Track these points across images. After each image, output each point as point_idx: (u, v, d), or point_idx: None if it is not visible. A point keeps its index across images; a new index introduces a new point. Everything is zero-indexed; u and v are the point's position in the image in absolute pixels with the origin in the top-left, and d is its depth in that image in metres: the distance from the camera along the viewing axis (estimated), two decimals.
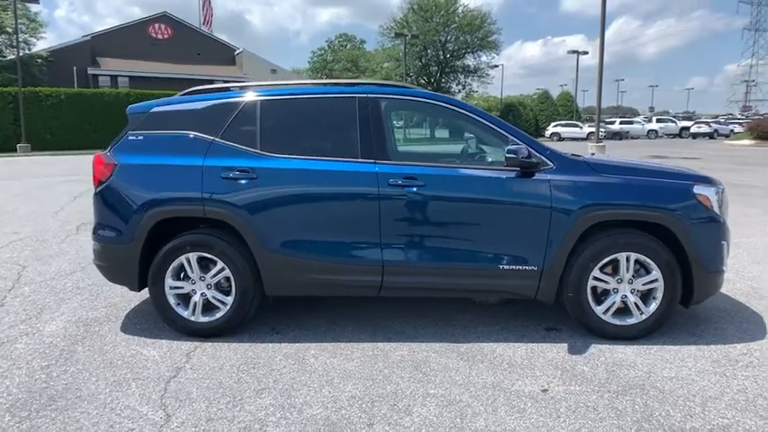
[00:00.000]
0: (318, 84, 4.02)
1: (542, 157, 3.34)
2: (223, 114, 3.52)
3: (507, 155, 3.21)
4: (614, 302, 3.36)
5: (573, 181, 3.31)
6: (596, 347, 3.30)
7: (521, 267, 3.33)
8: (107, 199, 3.52)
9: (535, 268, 3.33)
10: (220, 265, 3.43)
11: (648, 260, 3.29)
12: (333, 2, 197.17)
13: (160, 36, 39.48)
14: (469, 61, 48.76)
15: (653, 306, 3.34)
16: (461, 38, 46.71)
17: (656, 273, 3.30)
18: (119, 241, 3.49)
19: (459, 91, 49.23)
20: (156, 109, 3.60)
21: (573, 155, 3.48)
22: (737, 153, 21.46)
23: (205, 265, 3.47)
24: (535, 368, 3.05)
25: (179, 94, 3.77)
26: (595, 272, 3.33)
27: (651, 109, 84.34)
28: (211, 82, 39.52)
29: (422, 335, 3.52)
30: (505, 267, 3.34)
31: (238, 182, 3.37)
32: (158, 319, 3.77)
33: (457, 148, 4.05)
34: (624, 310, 3.38)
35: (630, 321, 3.36)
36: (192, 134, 3.49)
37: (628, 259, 3.31)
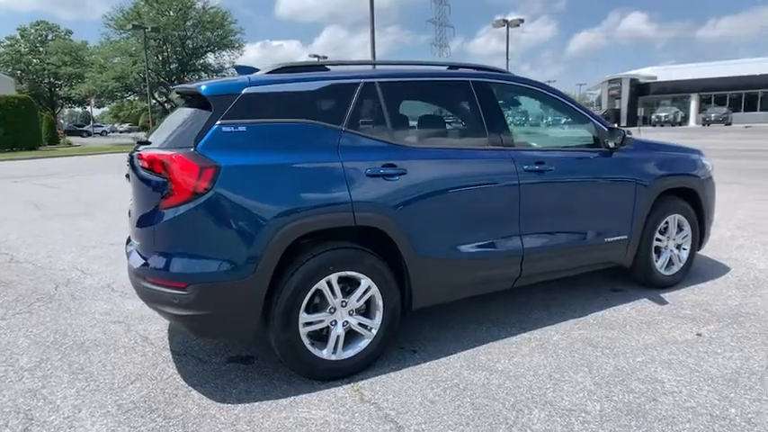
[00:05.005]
0: (420, 63, 3.54)
1: None
2: (341, 99, 2.85)
3: (627, 136, 3.52)
4: (667, 257, 4.05)
5: (644, 157, 3.83)
6: (665, 296, 3.91)
7: (618, 238, 3.71)
8: (209, 218, 2.46)
9: (626, 237, 3.75)
10: (366, 282, 2.80)
11: (684, 219, 4.08)
12: None
13: None
14: (211, 60, 46.49)
15: (685, 255, 4.16)
16: (202, 35, 44.14)
17: (687, 228, 4.12)
18: (234, 276, 2.49)
19: None
20: (249, 90, 2.66)
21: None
22: None
23: (343, 286, 2.78)
24: (660, 322, 3.48)
25: (266, 71, 2.85)
26: (656, 234, 3.95)
27: None
28: None
29: (539, 319, 3.55)
30: (609, 240, 3.67)
31: (388, 179, 2.80)
32: (237, 371, 2.88)
33: (546, 131, 4.13)
34: (669, 262, 4.10)
35: (674, 270, 4.11)
36: (315, 123, 2.72)
37: (674, 220, 4.03)
